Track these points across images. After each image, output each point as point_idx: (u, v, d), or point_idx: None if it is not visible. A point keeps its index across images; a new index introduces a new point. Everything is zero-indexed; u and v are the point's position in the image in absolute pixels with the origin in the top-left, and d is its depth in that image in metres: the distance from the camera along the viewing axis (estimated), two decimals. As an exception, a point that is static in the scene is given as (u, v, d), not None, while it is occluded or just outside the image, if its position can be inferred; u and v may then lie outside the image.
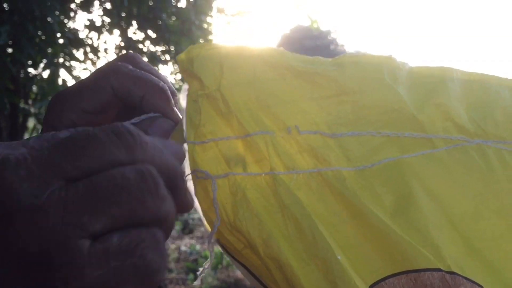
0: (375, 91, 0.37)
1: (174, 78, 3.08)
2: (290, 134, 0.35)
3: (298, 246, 0.34)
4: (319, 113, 0.36)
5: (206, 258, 3.03)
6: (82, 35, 2.70)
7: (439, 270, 0.33)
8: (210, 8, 2.79)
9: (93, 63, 2.83)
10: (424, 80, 0.39)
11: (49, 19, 2.09)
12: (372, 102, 0.37)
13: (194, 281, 2.92)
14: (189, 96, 0.35)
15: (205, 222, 0.35)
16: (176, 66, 2.94)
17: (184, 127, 0.35)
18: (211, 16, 2.85)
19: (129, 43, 2.76)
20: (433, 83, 0.39)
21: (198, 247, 3.26)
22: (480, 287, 0.34)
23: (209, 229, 0.34)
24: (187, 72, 0.35)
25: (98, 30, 2.72)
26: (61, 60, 2.35)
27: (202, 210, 0.34)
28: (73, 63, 2.45)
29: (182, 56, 0.35)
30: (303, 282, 0.33)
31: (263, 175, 0.35)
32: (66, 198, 0.23)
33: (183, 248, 3.29)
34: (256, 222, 0.34)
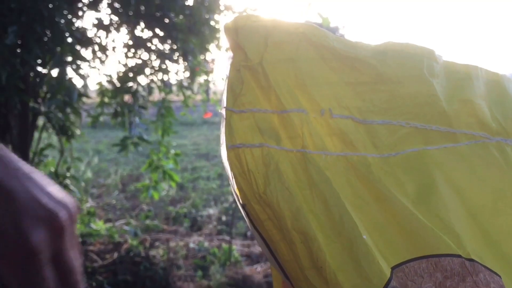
0: (413, 83, 0.37)
1: (184, 76, 3.09)
2: (323, 116, 0.36)
3: (325, 223, 0.34)
4: (353, 98, 0.36)
5: (214, 255, 3.04)
6: (90, 34, 2.71)
7: (459, 256, 0.34)
8: (218, 6, 2.79)
9: (102, 62, 2.84)
10: (454, 76, 0.40)
11: (56, 19, 2.10)
12: (407, 94, 0.37)
13: (203, 278, 2.93)
14: (232, 65, 0.36)
15: (234, 189, 0.36)
16: (185, 64, 2.95)
17: (224, 95, 0.36)
18: (219, 14, 2.85)
19: (137, 42, 2.77)
20: (461, 80, 0.40)
21: (206, 244, 3.27)
22: (498, 276, 0.34)
23: (238, 196, 0.35)
24: (233, 41, 0.36)
25: (106, 28, 2.73)
26: (69, 59, 2.35)
27: (234, 177, 0.35)
28: (80, 62, 2.45)
29: (229, 24, 0.36)
30: (328, 257, 0.34)
31: (294, 151, 0.35)
32: None
33: (191, 245, 3.30)
34: (287, 194, 0.34)
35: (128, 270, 2.91)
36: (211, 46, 2.95)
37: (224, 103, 0.35)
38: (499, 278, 0.34)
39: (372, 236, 0.34)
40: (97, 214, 4.01)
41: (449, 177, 0.37)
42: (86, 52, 2.69)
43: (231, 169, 0.35)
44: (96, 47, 2.76)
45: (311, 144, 0.35)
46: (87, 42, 2.64)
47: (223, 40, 2.98)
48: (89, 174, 5.25)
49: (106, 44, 2.79)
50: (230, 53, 0.36)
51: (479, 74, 0.40)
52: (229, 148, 0.34)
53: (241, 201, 0.35)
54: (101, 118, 3.07)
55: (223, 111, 0.35)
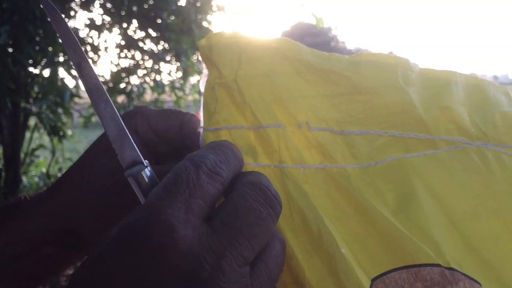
0: (388, 92, 0.38)
1: (176, 76, 3.09)
2: (300, 129, 0.36)
3: (304, 238, 0.35)
4: (330, 110, 0.37)
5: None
6: (82, 34, 2.70)
7: (439, 265, 0.34)
8: (210, 7, 2.79)
9: (94, 62, 2.84)
10: (431, 83, 0.40)
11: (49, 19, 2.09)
12: (383, 103, 0.38)
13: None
14: (207, 83, 0.36)
15: None
16: (177, 64, 2.95)
17: (201, 113, 0.36)
18: (211, 15, 2.85)
19: (130, 42, 2.76)
20: (439, 86, 0.40)
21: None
22: (478, 284, 0.35)
23: None
24: (207, 59, 0.36)
25: (99, 29, 2.72)
26: (61, 59, 2.35)
27: None
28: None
29: (202, 42, 0.36)
30: (307, 273, 0.34)
31: (272, 166, 0.36)
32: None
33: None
34: None
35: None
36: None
37: (201, 123, 0.35)
38: (479, 286, 0.34)
39: (352, 248, 0.34)
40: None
41: (429, 184, 0.37)
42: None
43: None
44: (89, 47, 2.75)
45: (288, 158, 0.35)
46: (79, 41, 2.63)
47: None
48: (81, 174, 5.23)
49: (98, 44, 2.79)
50: (205, 71, 0.36)
51: (458, 79, 0.40)
52: None
53: None
54: (93, 119, 3.06)
55: (201, 130, 0.35)
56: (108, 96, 0.32)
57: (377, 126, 0.37)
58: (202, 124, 0.36)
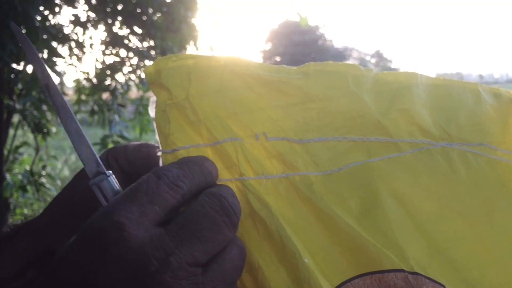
0: (340, 98, 0.38)
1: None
2: (258, 141, 0.36)
3: (268, 250, 0.35)
4: (286, 120, 0.37)
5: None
6: (67, 30, 2.68)
7: (402, 270, 0.34)
8: (196, 4, 2.78)
9: (79, 59, 2.81)
10: (389, 86, 0.40)
11: (31, 14, 2.07)
12: (337, 109, 0.38)
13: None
14: (157, 107, 0.36)
15: None
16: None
17: (157, 137, 0.36)
18: (198, 13, 2.84)
19: (115, 39, 2.74)
20: (397, 89, 0.40)
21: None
22: (442, 286, 0.35)
23: None
24: (155, 84, 0.36)
25: (83, 25, 2.70)
26: (44, 55, 2.32)
27: None
28: (56, 58, 2.42)
29: (149, 68, 0.36)
30: (272, 285, 0.34)
31: (233, 180, 0.36)
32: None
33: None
34: None
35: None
36: (190, 45, 2.94)
37: (160, 147, 0.36)
38: None
39: (316, 257, 0.35)
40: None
41: (394, 188, 0.37)
42: (62, 49, 2.66)
43: None
44: (73, 44, 2.72)
45: (250, 171, 0.35)
46: (63, 38, 2.60)
47: (202, 40, 2.98)
48: (66, 172, 5.19)
49: (83, 41, 2.76)
50: (154, 98, 0.37)
51: (419, 81, 0.40)
52: None
53: None
54: (78, 116, 3.04)
55: (159, 154, 0.35)
56: (73, 113, 0.36)
57: (335, 132, 0.37)
58: (160, 147, 0.36)
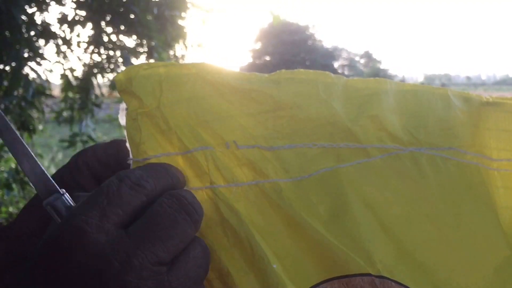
0: (310, 106, 0.38)
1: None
2: (229, 149, 0.36)
3: (238, 256, 0.36)
4: (256, 128, 0.37)
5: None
6: (54, 28, 2.66)
7: (369, 274, 0.35)
8: (184, 3, 2.78)
9: (65, 57, 2.79)
10: (359, 93, 0.40)
11: (14, 13, 2.05)
12: (307, 116, 0.38)
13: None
14: (128, 115, 0.36)
15: None
16: (150, 60, 2.92)
17: (127, 145, 0.36)
18: (185, 11, 2.83)
19: (102, 37, 2.73)
20: (367, 96, 0.40)
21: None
22: None
23: None
24: (126, 92, 0.36)
25: (71, 23, 2.68)
26: (26, 54, 2.30)
27: None
28: (40, 59, 2.40)
29: (120, 76, 0.36)
30: None
31: (204, 188, 0.36)
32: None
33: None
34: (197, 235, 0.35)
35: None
36: (178, 44, 2.93)
37: (130, 154, 0.36)
38: None
39: (284, 263, 0.35)
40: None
41: (363, 192, 0.38)
42: (49, 46, 2.64)
43: None
44: (60, 41, 2.70)
45: (220, 178, 0.36)
46: (49, 36, 2.58)
47: (190, 38, 2.97)
48: (52, 170, 5.15)
49: (70, 39, 2.74)
50: (124, 105, 0.37)
51: (389, 87, 0.41)
52: None
53: None
54: (65, 113, 3.02)
55: (130, 162, 0.36)
56: (18, 134, 0.35)
57: (305, 139, 0.38)
58: (130, 155, 0.36)
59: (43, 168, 0.35)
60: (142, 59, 2.90)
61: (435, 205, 0.39)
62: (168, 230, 0.31)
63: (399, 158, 0.40)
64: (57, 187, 0.35)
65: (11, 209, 3.37)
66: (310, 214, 0.36)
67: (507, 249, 0.40)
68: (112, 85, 2.90)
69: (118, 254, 0.29)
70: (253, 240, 0.35)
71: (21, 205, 3.38)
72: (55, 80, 2.94)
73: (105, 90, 3.04)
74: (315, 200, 0.37)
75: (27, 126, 2.71)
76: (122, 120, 0.37)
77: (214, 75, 0.37)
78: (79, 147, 2.85)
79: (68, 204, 0.35)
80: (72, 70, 2.83)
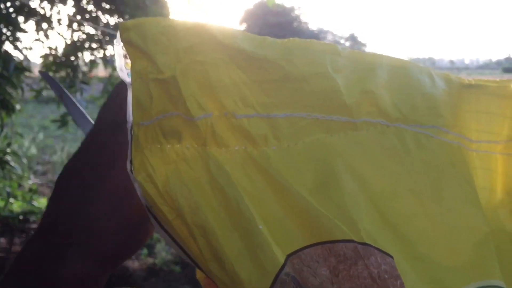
0: (317, 80, 0.38)
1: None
2: (226, 116, 0.36)
3: (224, 216, 0.36)
4: (258, 95, 0.37)
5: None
6: (34, 4, 2.60)
7: (352, 241, 0.35)
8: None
9: (46, 34, 2.74)
10: (358, 66, 0.40)
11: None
12: (311, 90, 0.38)
13: (148, 256, 2.92)
14: (136, 74, 0.35)
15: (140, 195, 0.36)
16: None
17: (129, 108, 0.35)
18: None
19: (83, 14, 2.68)
20: (364, 70, 0.40)
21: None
22: (390, 257, 0.36)
23: (146, 200, 0.36)
24: (134, 47, 0.35)
25: (51, 0, 2.63)
26: (5, 30, 2.25)
27: (140, 185, 0.36)
28: (20, 34, 2.35)
29: (128, 24, 0.34)
30: (226, 249, 0.35)
31: (196, 146, 0.36)
32: None
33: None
34: (186, 191, 0.35)
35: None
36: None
37: (130, 117, 0.35)
38: (391, 259, 0.36)
39: (270, 226, 0.35)
40: (41, 192, 3.90)
41: (349, 164, 0.38)
42: (28, 24, 2.59)
43: (136, 176, 0.36)
44: (40, 19, 2.65)
45: (213, 142, 0.35)
46: (29, 12, 2.53)
47: (174, 16, 2.93)
48: (33, 150, 5.09)
49: (50, 16, 2.69)
50: (120, 51, 0.35)
51: (383, 62, 0.41)
52: (133, 168, 0.36)
53: (147, 204, 0.36)
54: (44, 93, 2.97)
55: (128, 126, 0.35)
56: (75, 100, 0.42)
57: (301, 109, 0.38)
58: (130, 117, 0.35)
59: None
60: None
61: (418, 180, 0.39)
62: None
63: (384, 132, 0.40)
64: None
65: (-10, 189, 3.33)
66: (297, 181, 0.36)
67: (486, 226, 0.40)
68: (93, 64, 2.86)
69: None
70: (241, 201, 0.35)
71: (1, 185, 3.34)
72: (35, 59, 2.87)
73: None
74: (303, 168, 0.37)
75: (5, 105, 2.66)
76: (122, 72, 0.36)
77: (229, 38, 0.36)
78: (71, 126, 2.82)
79: None
80: (50, 48, 2.78)
